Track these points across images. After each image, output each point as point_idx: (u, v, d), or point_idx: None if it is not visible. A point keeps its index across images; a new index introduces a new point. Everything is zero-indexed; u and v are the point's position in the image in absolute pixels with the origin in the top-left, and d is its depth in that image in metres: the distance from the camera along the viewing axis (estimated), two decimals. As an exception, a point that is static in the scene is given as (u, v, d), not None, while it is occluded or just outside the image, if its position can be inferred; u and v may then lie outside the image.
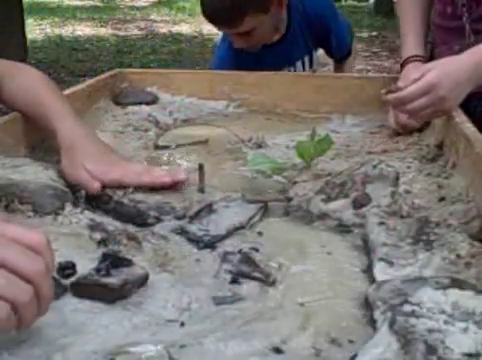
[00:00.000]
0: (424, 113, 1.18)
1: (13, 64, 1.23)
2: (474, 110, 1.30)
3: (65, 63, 6.73)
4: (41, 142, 1.22)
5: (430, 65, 1.18)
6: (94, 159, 1.01)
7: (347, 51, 2.03)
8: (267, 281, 0.75)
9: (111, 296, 0.70)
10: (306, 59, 1.95)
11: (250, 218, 0.92)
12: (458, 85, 1.15)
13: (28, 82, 1.17)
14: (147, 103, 1.52)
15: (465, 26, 1.38)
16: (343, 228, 0.89)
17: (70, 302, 0.70)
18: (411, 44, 1.40)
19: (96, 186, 0.97)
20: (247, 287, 0.74)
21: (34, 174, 0.95)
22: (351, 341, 0.64)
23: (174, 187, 0.99)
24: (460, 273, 0.71)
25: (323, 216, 0.91)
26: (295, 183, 1.01)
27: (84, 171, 0.99)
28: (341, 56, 2.03)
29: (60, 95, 1.17)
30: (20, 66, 1.24)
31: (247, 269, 0.77)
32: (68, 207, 0.92)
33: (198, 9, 1.92)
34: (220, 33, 1.91)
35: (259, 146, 1.30)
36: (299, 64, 1.93)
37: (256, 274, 0.76)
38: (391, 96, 1.17)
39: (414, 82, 1.15)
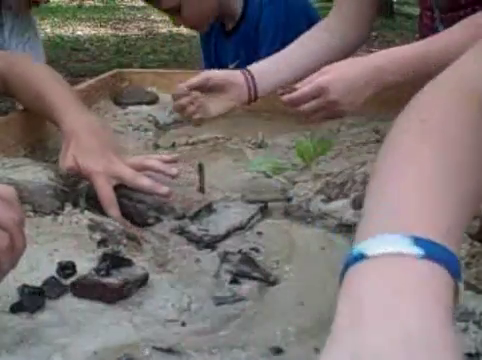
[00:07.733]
0: (316, 115, 1.17)
1: (14, 56, 1.23)
2: None
3: (65, 63, 6.72)
4: (41, 142, 1.22)
5: (327, 68, 1.15)
6: (87, 153, 0.96)
7: None
8: (267, 281, 0.75)
9: (111, 296, 0.70)
10: None
11: (250, 218, 0.92)
12: (353, 90, 1.12)
13: (30, 75, 1.16)
14: (147, 103, 1.52)
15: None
16: (343, 228, 0.89)
17: (70, 302, 0.70)
18: None
19: (69, 168, 0.95)
20: (247, 287, 0.74)
21: (34, 174, 0.95)
22: (351, 341, 0.63)
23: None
24: (460, 273, 0.71)
25: (323, 216, 0.91)
26: (295, 183, 1.01)
27: (72, 161, 0.95)
28: None
29: (63, 84, 1.14)
30: (21, 58, 1.25)
31: (247, 269, 0.77)
32: (68, 207, 0.92)
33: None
34: None
35: (259, 146, 1.30)
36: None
37: (256, 274, 0.76)
38: (285, 97, 1.16)
39: (307, 84, 1.14)
